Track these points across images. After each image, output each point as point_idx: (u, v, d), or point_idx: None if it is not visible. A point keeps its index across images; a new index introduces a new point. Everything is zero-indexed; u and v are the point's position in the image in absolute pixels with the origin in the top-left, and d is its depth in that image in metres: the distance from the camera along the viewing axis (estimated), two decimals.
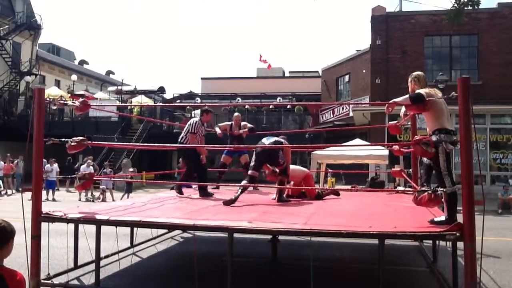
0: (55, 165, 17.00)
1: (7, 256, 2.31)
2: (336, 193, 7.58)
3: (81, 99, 5.49)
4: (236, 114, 8.98)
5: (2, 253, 2.26)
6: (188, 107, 22.95)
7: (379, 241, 4.23)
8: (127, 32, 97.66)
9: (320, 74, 27.53)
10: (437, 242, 6.29)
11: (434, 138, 4.39)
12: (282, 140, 6.74)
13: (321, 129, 22.91)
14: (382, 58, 20.03)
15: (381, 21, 20.21)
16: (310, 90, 28.89)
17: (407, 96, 4.63)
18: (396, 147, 7.82)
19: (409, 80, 4.85)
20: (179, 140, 7.30)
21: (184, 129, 7.28)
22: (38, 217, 4.79)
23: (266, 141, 6.74)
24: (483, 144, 17.79)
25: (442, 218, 4.39)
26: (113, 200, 14.49)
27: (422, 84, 4.72)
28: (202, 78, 34.92)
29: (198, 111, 27.42)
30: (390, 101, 4.82)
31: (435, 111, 4.47)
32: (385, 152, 13.50)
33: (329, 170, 15.75)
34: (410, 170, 7.66)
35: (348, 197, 8.22)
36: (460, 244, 4.12)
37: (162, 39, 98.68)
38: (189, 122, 7.38)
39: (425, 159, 4.90)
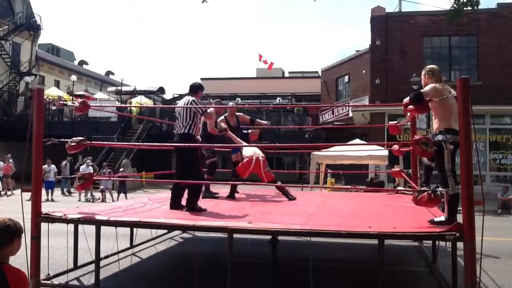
0: (52, 166, 16.97)
1: (14, 254, 2.32)
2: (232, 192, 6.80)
3: (80, 100, 5.46)
4: (230, 103, 8.49)
5: (7, 252, 2.28)
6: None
7: (378, 241, 4.23)
8: (127, 32, 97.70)
9: (320, 75, 27.53)
10: (437, 242, 6.28)
11: (440, 137, 4.35)
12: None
13: (321, 126, 22.90)
14: (381, 59, 20.02)
15: (381, 22, 20.19)
16: (310, 90, 28.91)
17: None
18: (395, 147, 7.81)
19: (423, 73, 4.75)
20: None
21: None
22: (38, 218, 4.79)
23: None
24: (482, 144, 17.80)
25: (442, 218, 4.39)
26: (113, 201, 14.48)
27: (436, 78, 4.59)
28: (202, 78, 34.90)
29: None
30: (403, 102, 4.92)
31: (442, 110, 4.41)
32: (385, 152, 13.49)
33: (329, 171, 15.73)
34: (410, 170, 7.66)
35: (348, 197, 8.23)
36: (460, 244, 4.12)
37: (162, 39, 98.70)
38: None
39: (425, 160, 4.88)
